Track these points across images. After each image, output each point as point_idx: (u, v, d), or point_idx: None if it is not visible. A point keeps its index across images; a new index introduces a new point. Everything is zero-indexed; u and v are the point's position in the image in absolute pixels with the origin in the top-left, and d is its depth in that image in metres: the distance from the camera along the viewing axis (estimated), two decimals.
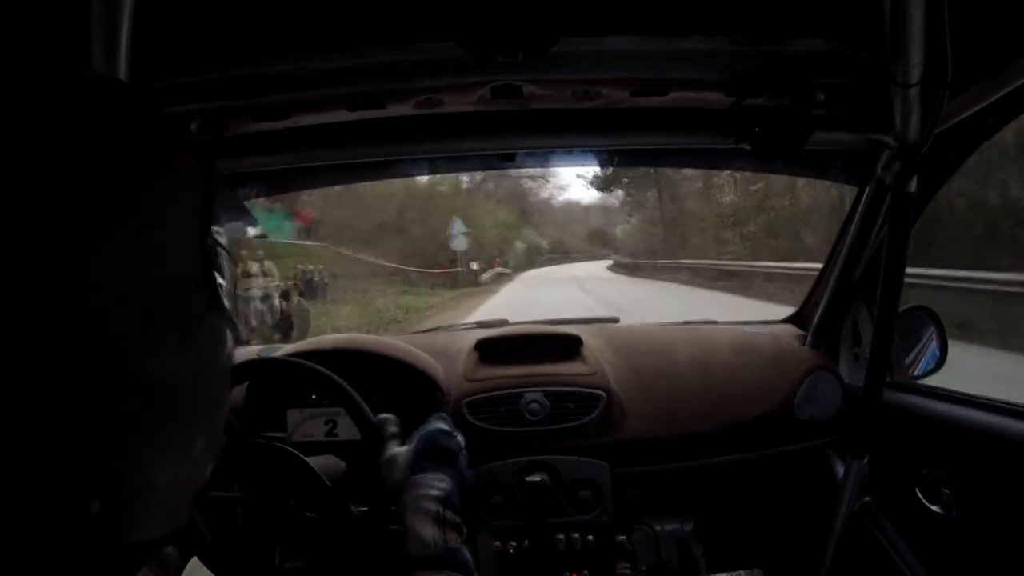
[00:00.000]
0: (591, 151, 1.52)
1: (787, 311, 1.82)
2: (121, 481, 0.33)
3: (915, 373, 1.40)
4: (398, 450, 0.92)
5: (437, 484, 0.86)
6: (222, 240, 0.39)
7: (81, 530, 0.31)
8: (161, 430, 0.35)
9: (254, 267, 11.34)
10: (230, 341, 0.40)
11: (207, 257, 0.37)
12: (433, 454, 0.90)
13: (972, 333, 6.23)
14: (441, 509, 0.83)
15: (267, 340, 8.28)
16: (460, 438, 0.95)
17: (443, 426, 0.95)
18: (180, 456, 0.37)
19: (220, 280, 0.38)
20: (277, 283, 11.98)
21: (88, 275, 0.30)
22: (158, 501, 0.35)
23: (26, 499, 0.29)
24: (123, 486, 0.33)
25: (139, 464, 0.33)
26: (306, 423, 1.35)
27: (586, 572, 1.43)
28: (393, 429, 0.98)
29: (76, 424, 0.30)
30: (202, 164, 0.38)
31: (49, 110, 0.31)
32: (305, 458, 1.02)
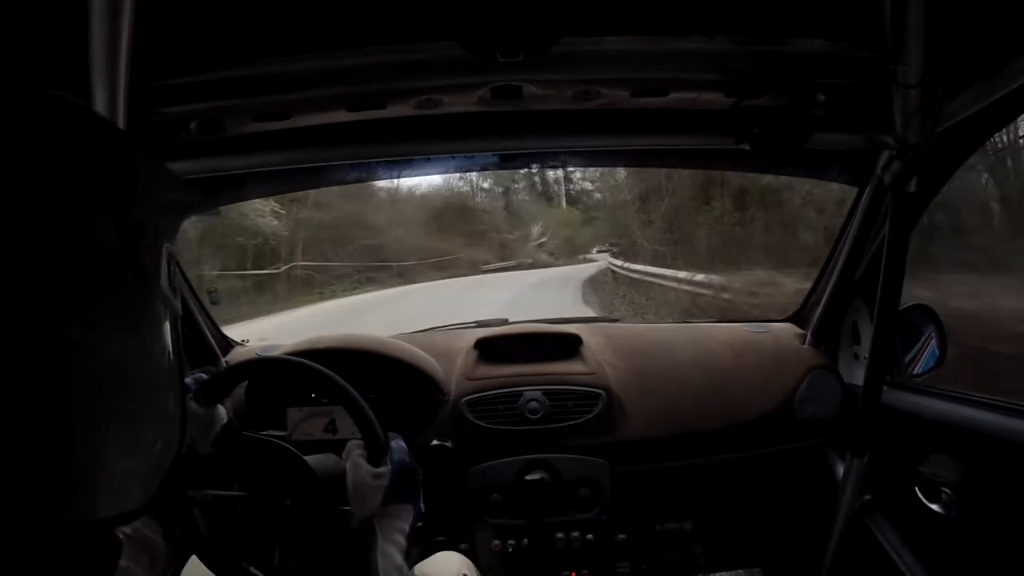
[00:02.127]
0: (591, 152, 1.52)
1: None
2: (63, 463, 0.33)
3: (914, 372, 1.40)
4: (369, 480, 0.94)
5: (403, 518, 0.95)
6: (152, 226, 0.40)
7: (20, 512, 0.32)
8: (105, 411, 0.35)
9: None
10: (164, 314, 0.41)
11: (127, 234, 0.37)
12: (403, 486, 0.95)
13: None
14: (405, 544, 0.92)
15: None
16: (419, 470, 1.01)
17: (407, 459, 0.99)
18: (128, 438, 0.37)
19: (148, 258, 0.39)
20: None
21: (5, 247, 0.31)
22: (106, 482, 0.36)
23: None
24: (65, 468, 0.33)
25: (82, 446, 0.34)
26: (305, 422, 1.35)
27: (585, 571, 1.43)
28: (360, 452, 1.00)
29: (8, 406, 0.31)
30: (126, 152, 0.39)
31: None
32: (304, 457, 1.02)
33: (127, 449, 0.37)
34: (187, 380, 1.04)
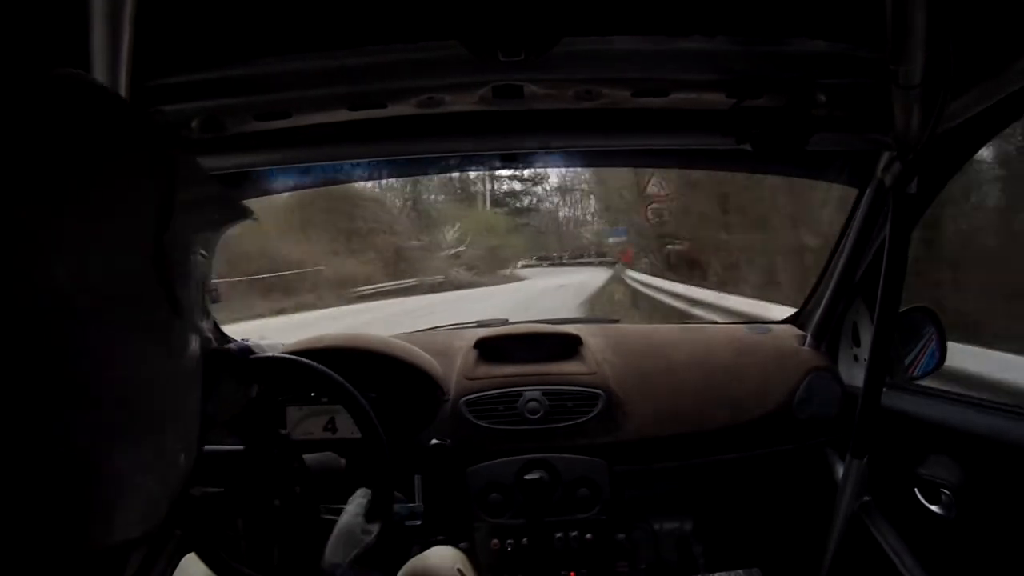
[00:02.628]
0: (591, 151, 1.52)
1: None
2: (96, 482, 0.32)
3: (914, 374, 1.40)
4: (356, 531, 0.95)
5: (361, 501, 0.96)
6: (190, 245, 0.38)
7: (56, 534, 0.31)
8: (132, 430, 0.34)
9: None
10: (194, 344, 0.40)
11: (161, 258, 0.36)
12: (383, 553, 0.97)
13: None
14: (356, 526, 0.93)
15: None
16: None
17: (404, 519, 1.02)
18: (154, 456, 0.37)
19: (183, 285, 0.38)
20: None
21: (36, 272, 0.30)
22: (136, 501, 0.35)
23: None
24: (99, 487, 0.33)
25: (112, 465, 0.33)
26: (305, 420, 1.35)
27: (584, 571, 1.43)
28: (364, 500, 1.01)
29: (45, 430, 0.30)
30: (166, 163, 0.37)
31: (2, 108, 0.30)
32: (304, 455, 1.02)
33: (156, 468, 0.37)
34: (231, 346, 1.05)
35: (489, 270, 19.51)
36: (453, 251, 19.55)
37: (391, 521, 0.99)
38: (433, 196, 21.95)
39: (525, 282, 18.47)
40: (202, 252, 0.39)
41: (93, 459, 0.32)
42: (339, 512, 0.99)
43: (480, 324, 1.83)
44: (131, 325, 0.35)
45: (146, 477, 0.36)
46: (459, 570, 1.11)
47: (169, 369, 0.38)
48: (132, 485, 0.35)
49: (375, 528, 0.95)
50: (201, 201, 0.39)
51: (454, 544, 1.33)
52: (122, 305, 0.34)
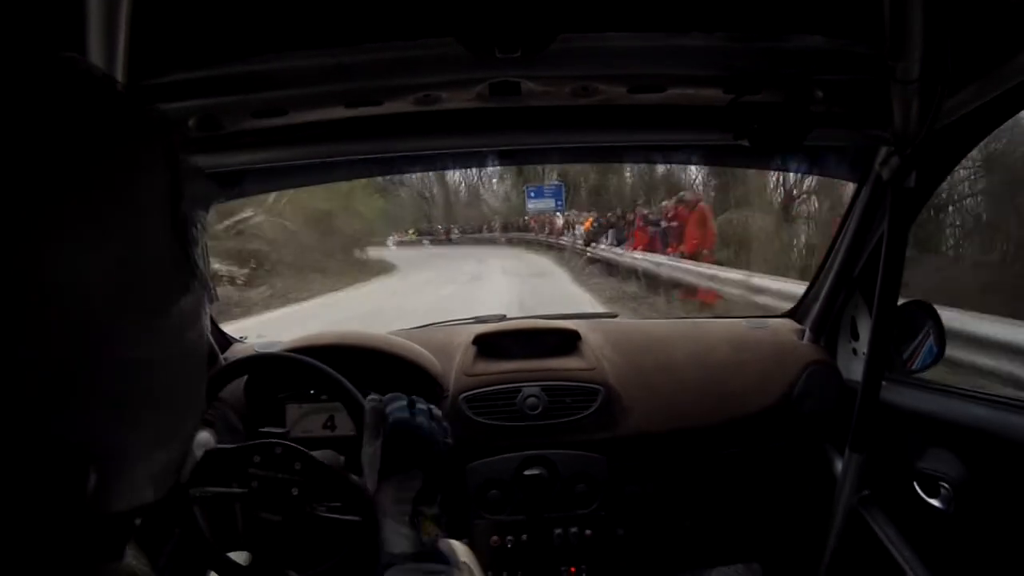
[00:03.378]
0: (589, 148, 1.52)
1: None
2: (106, 454, 0.33)
3: (912, 367, 1.40)
4: (368, 450, 0.88)
5: (407, 486, 0.86)
6: (195, 217, 0.39)
7: (77, 502, 0.32)
8: (141, 407, 0.35)
9: None
10: (205, 319, 0.41)
11: (180, 234, 0.37)
12: (401, 450, 0.87)
13: None
14: (411, 510, 0.84)
15: None
16: (425, 412, 0.92)
17: (403, 414, 0.90)
18: (168, 427, 0.38)
19: (197, 259, 0.39)
20: None
21: (60, 262, 0.30)
22: (141, 472, 0.36)
23: (21, 478, 0.30)
24: (109, 458, 0.33)
25: (120, 438, 0.34)
26: (305, 418, 1.35)
27: (584, 566, 1.44)
28: (369, 420, 0.96)
29: (61, 403, 0.31)
30: (165, 141, 0.38)
31: (11, 96, 0.31)
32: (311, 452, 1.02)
33: (165, 438, 0.38)
34: None
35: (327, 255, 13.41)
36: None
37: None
38: None
39: (389, 279, 13.11)
40: (201, 224, 0.40)
41: (108, 433, 0.33)
42: (337, 510, 0.98)
43: (478, 320, 1.83)
44: (154, 303, 0.35)
45: (158, 443, 0.37)
46: (465, 563, 1.11)
47: (191, 336, 0.38)
48: (140, 456, 0.36)
49: (373, 438, 0.86)
50: (193, 175, 0.39)
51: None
52: (149, 276, 0.35)
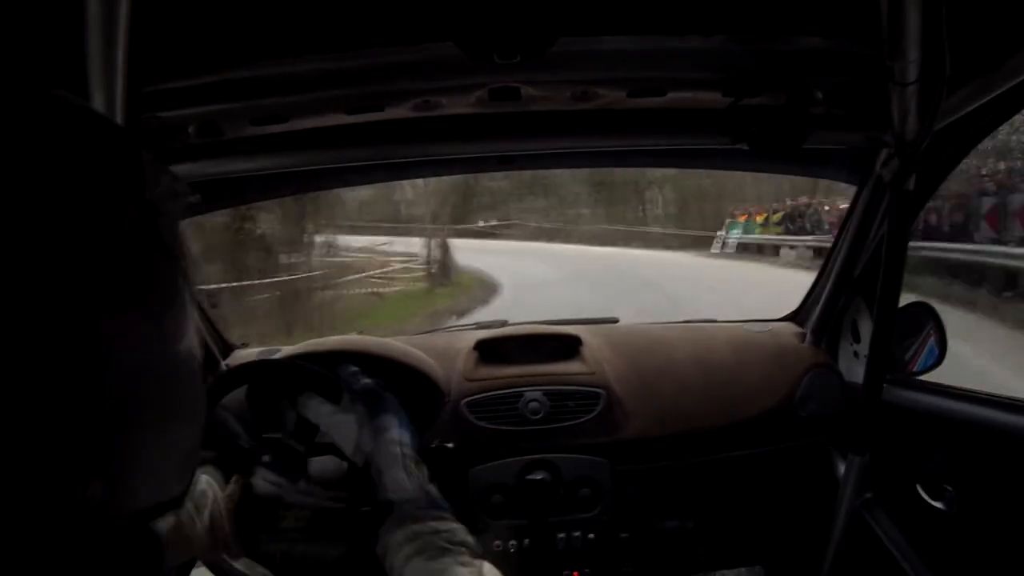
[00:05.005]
0: (589, 153, 1.52)
1: None
2: (113, 457, 0.34)
3: (914, 369, 1.40)
4: (342, 418, 0.93)
5: (391, 432, 0.89)
6: (169, 209, 0.39)
7: (82, 508, 0.32)
8: (146, 396, 0.36)
9: None
10: (191, 299, 0.41)
11: (144, 210, 0.37)
12: (376, 405, 0.93)
13: None
14: (402, 451, 0.87)
15: None
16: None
17: (366, 380, 0.98)
18: (169, 423, 0.38)
19: (171, 239, 0.39)
20: None
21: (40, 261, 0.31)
22: (149, 473, 0.37)
23: (29, 486, 0.30)
24: (115, 461, 0.34)
25: (130, 434, 0.35)
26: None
27: (587, 570, 1.43)
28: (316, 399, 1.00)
29: (70, 411, 0.31)
30: (129, 143, 0.39)
31: None
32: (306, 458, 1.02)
33: (170, 435, 0.38)
34: None
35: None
36: None
37: (339, 387, 0.99)
38: None
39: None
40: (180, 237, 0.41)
41: (113, 426, 0.34)
42: (341, 500, 0.99)
43: (480, 325, 1.83)
44: (128, 276, 0.36)
45: (172, 442, 0.38)
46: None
47: (172, 321, 0.39)
48: (146, 458, 0.36)
49: (345, 399, 0.95)
50: (166, 181, 0.40)
51: None
52: (118, 256, 0.35)
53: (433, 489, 0.84)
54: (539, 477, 1.39)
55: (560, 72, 1.02)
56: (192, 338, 0.40)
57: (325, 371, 1.07)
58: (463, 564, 0.75)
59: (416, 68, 0.99)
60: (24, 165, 0.32)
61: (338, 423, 0.93)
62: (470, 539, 0.79)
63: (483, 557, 0.79)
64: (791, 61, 1.02)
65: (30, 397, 0.30)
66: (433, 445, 1.38)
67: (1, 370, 0.29)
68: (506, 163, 1.45)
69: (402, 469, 0.84)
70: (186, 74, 0.98)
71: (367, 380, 0.97)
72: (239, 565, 1.19)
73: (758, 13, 0.95)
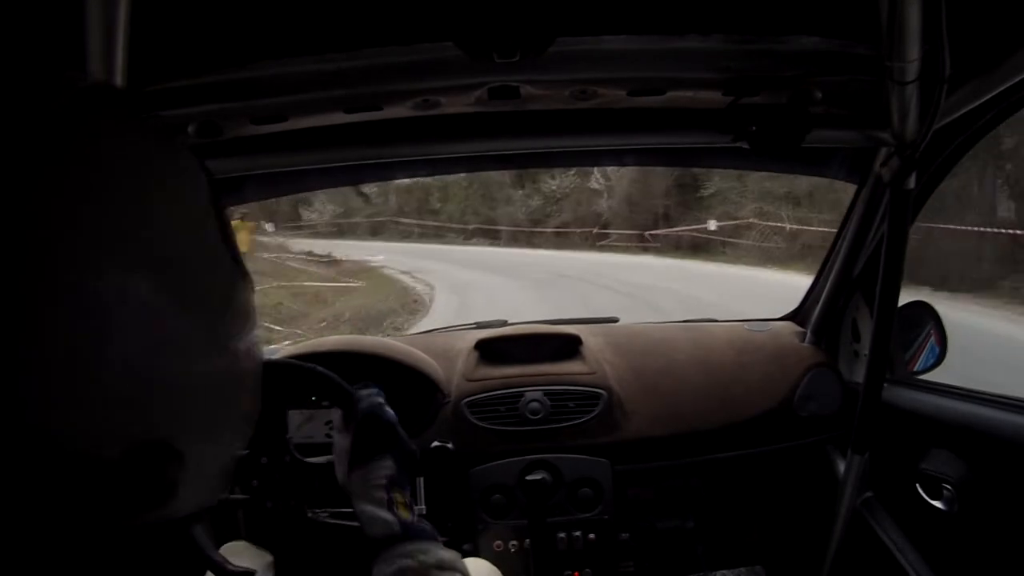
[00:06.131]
0: (589, 151, 1.52)
1: None
2: (181, 459, 0.34)
3: (914, 369, 1.40)
4: (341, 442, 0.91)
5: (380, 472, 0.86)
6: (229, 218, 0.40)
7: (158, 500, 0.33)
8: (208, 414, 0.37)
9: None
10: (255, 323, 0.41)
11: (224, 227, 0.38)
12: (372, 438, 0.89)
13: None
14: (387, 496, 0.84)
15: None
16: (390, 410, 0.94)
17: (377, 400, 0.94)
18: (221, 435, 0.39)
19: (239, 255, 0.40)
20: None
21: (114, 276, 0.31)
22: (206, 475, 0.37)
23: (108, 479, 0.31)
24: (183, 463, 0.35)
25: (191, 444, 0.35)
26: (307, 424, 1.35)
27: (588, 570, 1.43)
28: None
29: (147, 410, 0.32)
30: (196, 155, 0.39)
31: (48, 122, 0.31)
32: (306, 459, 1.02)
33: (220, 447, 0.39)
34: None
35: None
36: None
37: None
38: None
39: None
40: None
41: (175, 443, 0.34)
42: (340, 516, 0.98)
43: (480, 325, 1.83)
44: (216, 304, 0.37)
45: (215, 455, 0.39)
46: None
47: (248, 333, 0.39)
48: (206, 461, 0.37)
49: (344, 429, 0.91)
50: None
51: (457, 546, 1.33)
52: (208, 285, 0.36)
53: (414, 517, 0.82)
54: (539, 477, 1.39)
55: (560, 71, 1.02)
56: (252, 340, 0.40)
57: (325, 371, 1.07)
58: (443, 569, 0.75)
59: (415, 68, 0.99)
60: (106, 167, 0.32)
61: (336, 444, 0.91)
62: (446, 556, 0.79)
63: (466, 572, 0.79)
64: (790, 60, 1.02)
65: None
66: (433, 445, 1.39)
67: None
68: (506, 162, 1.45)
69: (379, 508, 0.82)
70: (186, 74, 0.98)
71: (375, 399, 0.94)
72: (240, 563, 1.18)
73: (758, 13, 0.95)
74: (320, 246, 18.08)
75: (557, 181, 20.07)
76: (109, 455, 0.31)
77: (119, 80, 0.80)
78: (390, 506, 0.82)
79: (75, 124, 0.32)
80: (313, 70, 0.99)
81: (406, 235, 24.59)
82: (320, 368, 1.09)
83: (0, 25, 0.77)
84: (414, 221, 25.01)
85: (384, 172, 1.55)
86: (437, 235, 23.68)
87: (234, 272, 0.39)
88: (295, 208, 24.88)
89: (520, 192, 21.79)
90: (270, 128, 1.11)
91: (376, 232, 25.63)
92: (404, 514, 0.82)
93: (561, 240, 19.46)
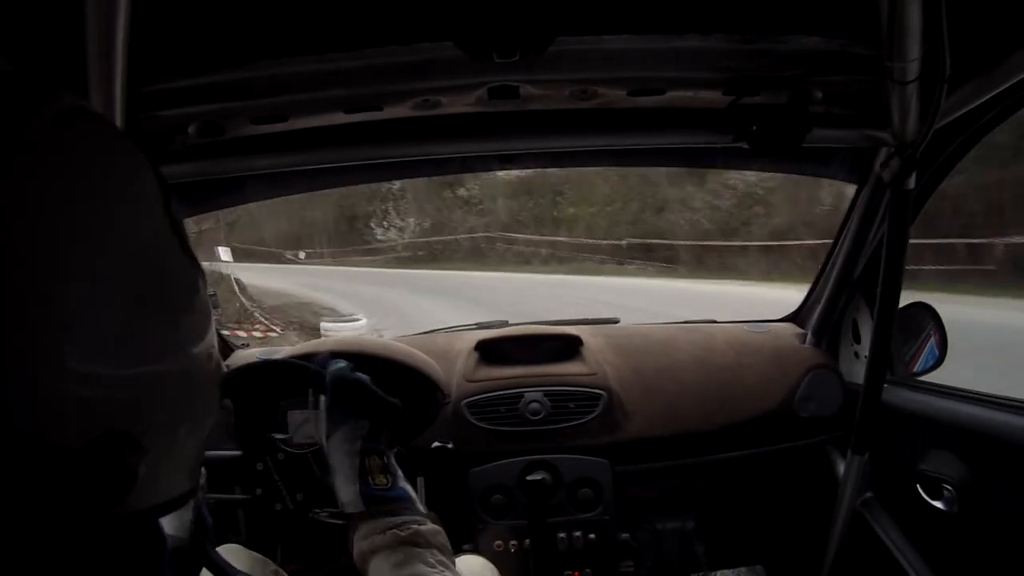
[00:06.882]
0: (589, 151, 1.52)
1: None
2: (140, 447, 0.35)
3: (914, 369, 1.40)
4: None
5: (355, 434, 0.86)
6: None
7: (98, 502, 0.34)
8: (168, 410, 0.37)
9: None
10: (212, 323, 0.42)
11: (173, 219, 0.38)
12: (343, 401, 0.88)
13: None
14: (359, 463, 0.83)
15: None
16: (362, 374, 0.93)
17: (341, 365, 0.92)
18: (190, 425, 0.40)
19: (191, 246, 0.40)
20: None
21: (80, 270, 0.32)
22: (163, 470, 0.38)
23: (77, 473, 0.32)
24: (143, 453, 0.35)
25: (151, 437, 0.36)
26: (307, 424, 1.35)
27: (588, 570, 1.43)
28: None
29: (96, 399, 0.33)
30: (143, 150, 0.40)
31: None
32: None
33: (185, 434, 0.40)
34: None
35: None
36: None
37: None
38: None
39: None
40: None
41: (138, 435, 0.35)
42: (340, 516, 0.98)
43: (480, 326, 1.83)
44: (178, 302, 0.38)
45: (181, 446, 0.39)
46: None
47: (201, 328, 0.40)
48: (168, 454, 0.38)
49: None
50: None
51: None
52: (159, 265, 0.37)
53: (392, 480, 0.82)
54: (539, 478, 1.39)
55: (559, 71, 1.02)
56: (211, 342, 0.41)
57: (308, 364, 1.06)
58: (417, 545, 0.74)
59: (415, 67, 0.99)
60: (64, 173, 0.33)
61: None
62: (423, 529, 0.76)
63: (440, 544, 0.77)
64: (791, 60, 1.02)
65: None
66: (433, 445, 1.38)
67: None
68: (506, 162, 1.45)
69: (353, 483, 0.81)
70: (186, 74, 0.98)
71: (340, 366, 0.92)
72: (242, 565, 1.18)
73: (758, 12, 0.95)
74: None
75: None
76: (70, 445, 0.31)
77: (119, 81, 0.80)
78: (362, 475, 0.81)
79: (25, 129, 0.32)
80: (313, 70, 0.99)
81: (524, 260, 17.24)
82: (279, 358, 1.08)
83: (0, 26, 0.77)
84: (532, 236, 17.66)
85: (383, 172, 1.55)
86: (573, 258, 16.37)
87: (193, 274, 0.40)
88: (366, 223, 21.29)
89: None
90: (271, 128, 1.11)
91: (474, 257, 18.61)
92: (381, 480, 0.81)
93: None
